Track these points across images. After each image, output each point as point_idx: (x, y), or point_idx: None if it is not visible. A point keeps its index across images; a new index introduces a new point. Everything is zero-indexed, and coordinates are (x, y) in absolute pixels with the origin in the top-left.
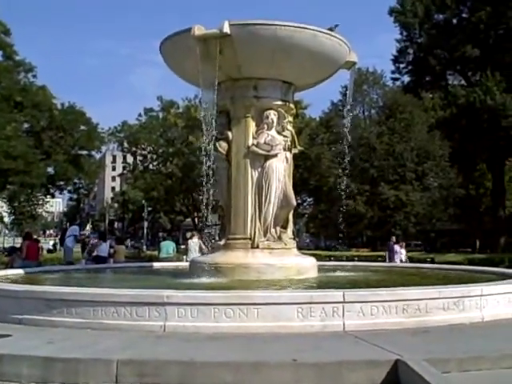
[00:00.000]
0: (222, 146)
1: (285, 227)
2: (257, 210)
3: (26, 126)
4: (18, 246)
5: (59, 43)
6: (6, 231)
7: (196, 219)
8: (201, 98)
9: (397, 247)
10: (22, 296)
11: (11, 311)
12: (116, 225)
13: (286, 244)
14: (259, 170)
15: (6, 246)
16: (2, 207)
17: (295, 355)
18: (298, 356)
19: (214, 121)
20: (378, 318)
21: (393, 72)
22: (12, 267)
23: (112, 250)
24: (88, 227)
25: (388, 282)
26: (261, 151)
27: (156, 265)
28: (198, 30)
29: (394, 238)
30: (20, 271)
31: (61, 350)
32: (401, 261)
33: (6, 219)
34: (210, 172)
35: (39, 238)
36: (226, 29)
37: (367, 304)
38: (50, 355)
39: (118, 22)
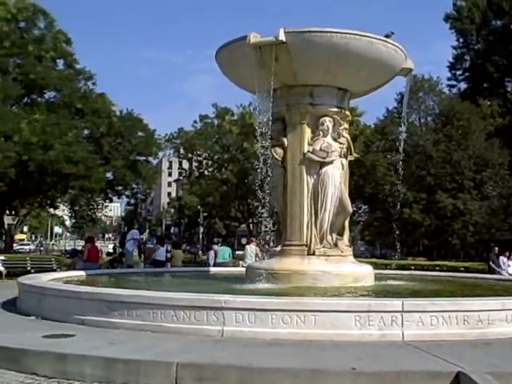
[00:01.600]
0: (278, 152)
1: (341, 234)
2: (313, 216)
3: (86, 132)
4: (80, 248)
5: (117, 52)
6: (68, 234)
7: (251, 225)
8: (256, 104)
9: (503, 259)
10: (85, 297)
11: (74, 312)
12: (172, 230)
13: (342, 251)
14: (315, 176)
15: (67, 248)
16: (64, 211)
17: (354, 364)
18: (357, 365)
19: (269, 127)
20: (437, 329)
21: (449, 79)
22: (74, 269)
23: (169, 255)
24: (146, 232)
25: (448, 292)
26: (316, 158)
27: (212, 270)
28: (254, 38)
29: (496, 249)
30: (82, 273)
31: (122, 351)
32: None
33: (68, 223)
34: (266, 178)
35: (98, 241)
36: (282, 36)
37: (427, 314)
38: (112, 356)
39: (172, 31)
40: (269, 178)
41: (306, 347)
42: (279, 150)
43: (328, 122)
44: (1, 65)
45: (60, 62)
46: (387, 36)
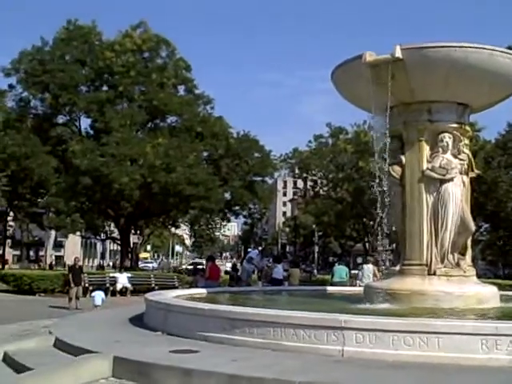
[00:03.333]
0: (396, 170)
1: (463, 254)
2: (433, 235)
3: (205, 154)
4: (201, 267)
5: (233, 76)
6: (187, 253)
7: (367, 244)
8: (371, 123)
9: None
10: (208, 314)
11: (198, 328)
12: (287, 248)
13: (464, 271)
14: (434, 194)
15: (187, 267)
16: (184, 230)
17: None
18: None
19: (386, 146)
20: None
21: None
22: (196, 286)
23: (286, 273)
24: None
25: None
26: (436, 175)
27: (330, 289)
28: (370, 56)
29: None
30: (203, 290)
31: (245, 368)
32: None
33: (187, 242)
34: (383, 197)
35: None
36: (398, 53)
37: None
38: (235, 373)
39: (285, 54)
40: (386, 197)
41: (430, 370)
42: (397, 168)
43: (447, 138)
44: (127, 93)
45: (181, 88)
46: (510, 48)
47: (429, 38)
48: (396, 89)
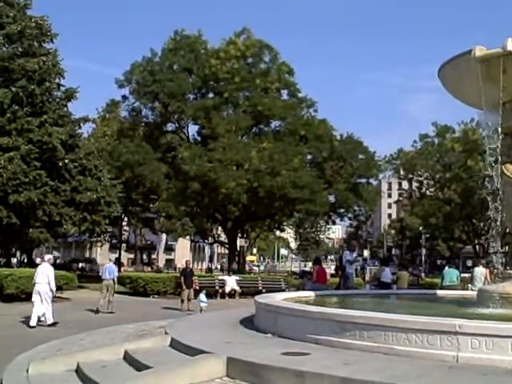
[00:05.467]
0: (509, 169)
1: None
2: None
3: (309, 157)
4: (308, 269)
5: (335, 77)
6: (293, 256)
7: (477, 246)
8: (480, 120)
9: None
10: (318, 317)
11: (308, 331)
12: (393, 251)
13: None
14: None
15: (293, 269)
16: (289, 233)
17: None
18: None
19: (498, 143)
20: None
21: None
22: (303, 289)
23: (395, 277)
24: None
25: None
26: None
27: (440, 292)
28: (480, 51)
29: None
30: (311, 293)
31: (357, 371)
32: None
33: (292, 245)
34: (495, 197)
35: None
36: (511, 46)
37: None
38: (347, 376)
39: (387, 52)
40: (499, 197)
41: None
42: (510, 167)
43: None
44: (233, 99)
45: (284, 93)
46: None
47: None
48: (508, 84)
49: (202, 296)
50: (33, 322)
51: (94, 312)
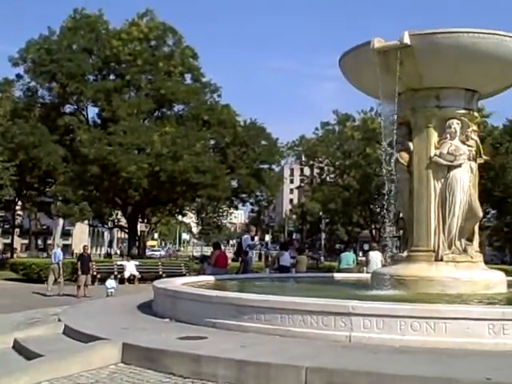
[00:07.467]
0: (404, 157)
1: (470, 240)
2: (440, 221)
3: (212, 142)
4: (209, 254)
5: (237, 63)
6: (194, 241)
7: (373, 231)
8: (379, 109)
9: None
10: (216, 301)
11: (206, 315)
12: (294, 235)
13: (472, 257)
14: (442, 180)
15: (194, 254)
16: (191, 218)
17: (489, 374)
18: (493, 375)
19: (394, 132)
20: None
21: None
22: (204, 274)
23: (294, 260)
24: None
25: None
26: (444, 162)
27: (336, 275)
28: (378, 43)
29: None
30: (211, 278)
31: (253, 354)
32: None
33: (194, 229)
34: (390, 184)
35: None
36: (407, 39)
37: None
38: (243, 358)
39: (294, 39)
40: (393, 184)
41: (437, 355)
42: (405, 155)
43: (455, 125)
44: (135, 81)
45: (187, 77)
46: None
47: (438, 25)
48: (404, 75)
49: (112, 281)
50: None
51: None
